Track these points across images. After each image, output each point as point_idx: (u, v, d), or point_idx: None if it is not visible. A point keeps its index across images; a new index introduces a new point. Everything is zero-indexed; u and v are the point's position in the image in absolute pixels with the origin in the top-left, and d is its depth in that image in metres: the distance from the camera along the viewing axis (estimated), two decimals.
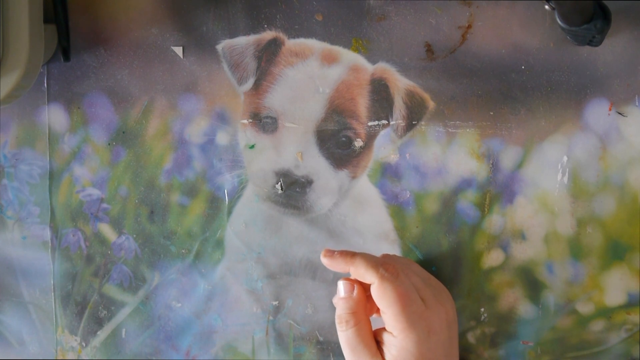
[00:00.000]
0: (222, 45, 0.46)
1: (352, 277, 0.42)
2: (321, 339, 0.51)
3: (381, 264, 0.41)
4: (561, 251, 0.47)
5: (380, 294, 0.40)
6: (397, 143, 0.46)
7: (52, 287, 0.52)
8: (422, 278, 0.42)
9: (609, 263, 0.47)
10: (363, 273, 0.40)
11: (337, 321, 0.41)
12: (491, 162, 0.46)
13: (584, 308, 0.48)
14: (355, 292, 0.41)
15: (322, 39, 0.45)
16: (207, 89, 0.47)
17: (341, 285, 0.42)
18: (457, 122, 0.45)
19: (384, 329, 0.41)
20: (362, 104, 0.46)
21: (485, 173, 0.46)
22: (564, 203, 0.46)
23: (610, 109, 0.44)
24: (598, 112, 0.45)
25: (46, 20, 0.44)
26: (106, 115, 0.48)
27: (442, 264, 0.48)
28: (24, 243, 0.51)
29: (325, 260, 0.42)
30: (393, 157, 0.46)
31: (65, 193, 0.50)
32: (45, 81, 0.48)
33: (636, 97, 0.44)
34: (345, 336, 0.41)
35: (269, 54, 0.46)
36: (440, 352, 0.40)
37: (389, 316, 0.40)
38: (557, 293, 0.48)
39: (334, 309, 0.50)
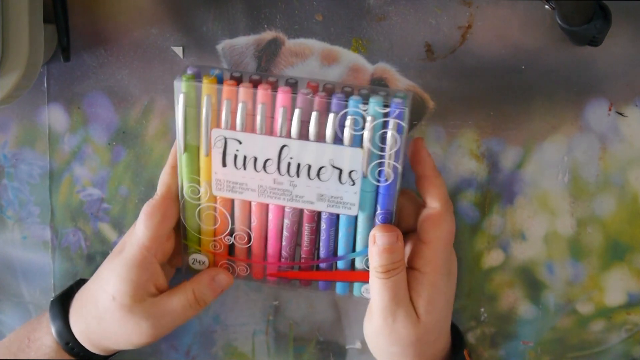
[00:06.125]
0: (222, 45, 0.46)
1: (419, 191, 0.41)
2: (321, 339, 0.51)
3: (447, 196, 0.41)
4: (561, 251, 0.47)
5: (438, 224, 0.40)
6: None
7: (53, 287, 0.52)
8: None
9: (609, 263, 0.47)
10: (437, 193, 0.40)
11: (379, 270, 0.39)
12: (491, 162, 0.46)
13: (584, 308, 0.48)
14: (401, 240, 0.40)
15: (322, 39, 0.45)
16: None
17: (384, 237, 0.40)
18: (457, 122, 0.45)
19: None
20: None
21: (485, 173, 0.46)
22: (564, 203, 0.46)
23: (610, 109, 0.44)
24: (598, 112, 0.45)
25: (46, 20, 0.44)
26: (106, 115, 0.48)
27: None
28: (24, 243, 0.51)
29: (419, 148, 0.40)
30: None
31: (65, 193, 0.50)
32: (45, 81, 0.48)
33: (636, 97, 0.44)
34: (388, 283, 0.39)
35: (269, 54, 0.46)
36: (451, 295, 0.43)
37: (432, 249, 0.40)
38: (557, 293, 0.48)
39: (334, 308, 0.50)
